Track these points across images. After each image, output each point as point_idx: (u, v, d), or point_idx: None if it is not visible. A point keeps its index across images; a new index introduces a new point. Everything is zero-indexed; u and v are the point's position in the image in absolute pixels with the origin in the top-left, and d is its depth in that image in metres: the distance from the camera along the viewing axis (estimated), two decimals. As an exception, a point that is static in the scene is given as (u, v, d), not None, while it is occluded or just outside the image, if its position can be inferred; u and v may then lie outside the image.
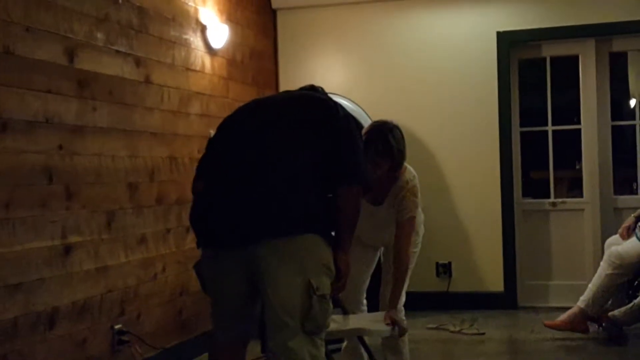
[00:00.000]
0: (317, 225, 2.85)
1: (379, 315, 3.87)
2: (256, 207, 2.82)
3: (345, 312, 3.93)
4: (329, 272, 2.88)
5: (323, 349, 2.88)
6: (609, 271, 5.31)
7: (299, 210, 2.81)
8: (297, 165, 2.86)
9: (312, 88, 3.31)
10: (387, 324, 3.66)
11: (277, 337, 2.82)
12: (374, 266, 4.26)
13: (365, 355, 4.04)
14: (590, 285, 5.43)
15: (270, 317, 2.83)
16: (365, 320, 3.87)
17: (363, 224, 3.31)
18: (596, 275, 5.41)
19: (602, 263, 5.43)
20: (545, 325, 5.41)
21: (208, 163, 3.11)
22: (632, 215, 5.60)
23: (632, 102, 7.07)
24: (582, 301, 5.38)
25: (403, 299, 3.97)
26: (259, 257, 2.81)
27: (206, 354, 5.25)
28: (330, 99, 3.15)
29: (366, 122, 5.00)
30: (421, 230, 4.18)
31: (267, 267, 2.80)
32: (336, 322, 3.67)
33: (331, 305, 2.89)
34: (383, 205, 3.94)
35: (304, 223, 2.81)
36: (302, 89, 3.35)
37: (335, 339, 4.45)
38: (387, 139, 3.74)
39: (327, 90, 6.19)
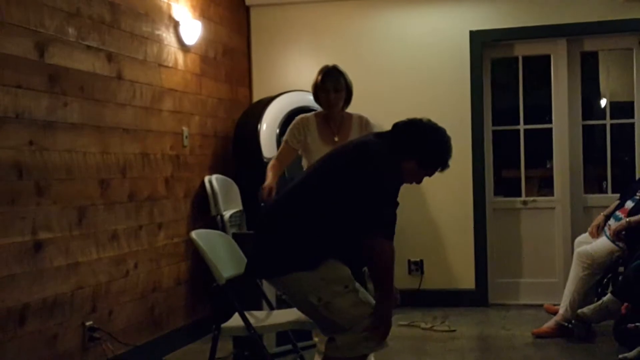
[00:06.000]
0: (301, 263, 3.12)
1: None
2: (262, 248, 3.24)
3: (271, 308, 4.09)
4: (324, 282, 3.11)
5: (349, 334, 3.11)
6: (581, 274, 5.35)
7: (289, 252, 3.14)
8: (309, 209, 3.16)
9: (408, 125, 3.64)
10: None
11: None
12: None
13: None
14: (565, 291, 5.47)
15: None
16: (294, 313, 3.76)
17: None
18: (570, 281, 5.45)
19: (573, 266, 5.46)
20: (533, 333, 5.43)
21: None
22: (602, 214, 5.65)
23: (603, 102, 7.14)
24: (561, 307, 5.43)
25: None
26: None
27: (177, 351, 5.26)
28: (376, 150, 3.39)
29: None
30: None
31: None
32: (257, 318, 3.85)
33: (346, 301, 3.12)
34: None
35: (289, 264, 3.12)
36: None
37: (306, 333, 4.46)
38: (343, 74, 4.43)
39: (299, 88, 6.15)
